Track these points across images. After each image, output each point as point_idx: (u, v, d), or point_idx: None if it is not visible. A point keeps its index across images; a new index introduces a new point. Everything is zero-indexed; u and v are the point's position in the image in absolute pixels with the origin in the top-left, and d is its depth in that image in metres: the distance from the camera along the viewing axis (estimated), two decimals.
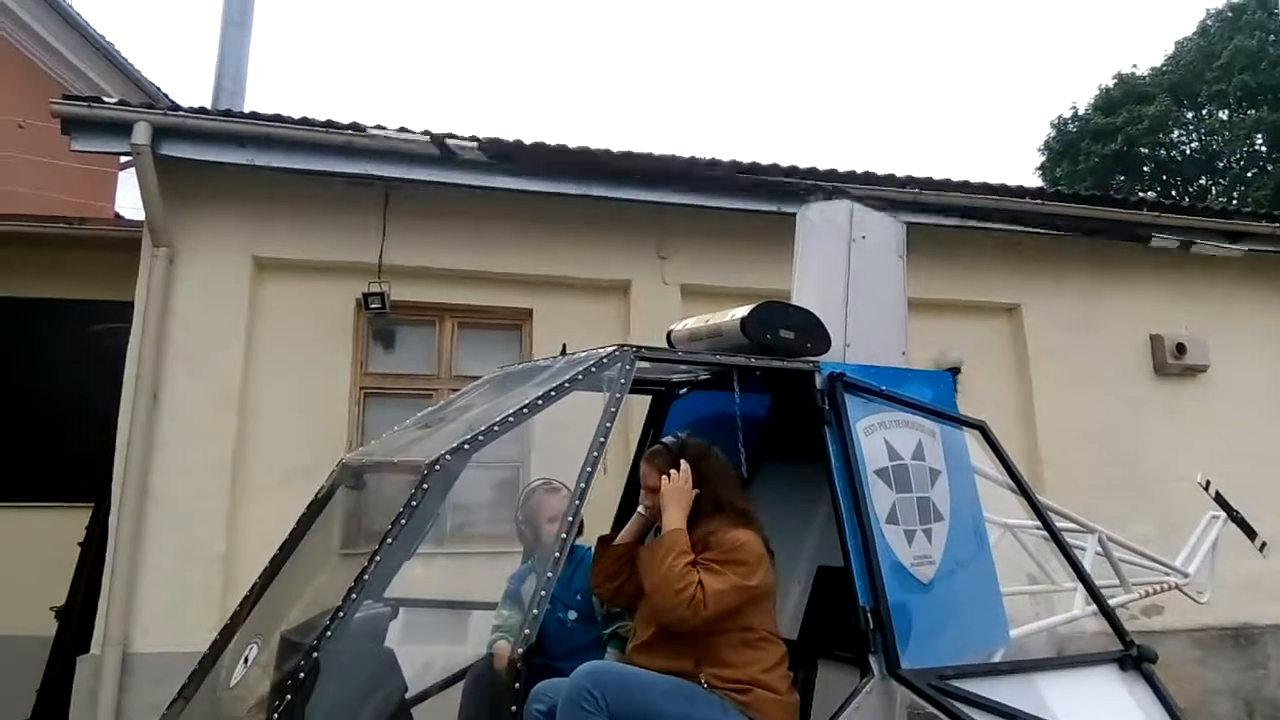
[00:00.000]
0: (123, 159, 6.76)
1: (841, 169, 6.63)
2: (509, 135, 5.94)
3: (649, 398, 3.90)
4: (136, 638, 5.12)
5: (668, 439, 3.15)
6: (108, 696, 4.96)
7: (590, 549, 3.55)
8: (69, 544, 6.11)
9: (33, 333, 6.92)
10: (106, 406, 5.45)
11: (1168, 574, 4.78)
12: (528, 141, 5.93)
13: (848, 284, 3.49)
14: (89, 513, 6.09)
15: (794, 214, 3.77)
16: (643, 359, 2.85)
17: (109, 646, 5.03)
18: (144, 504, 5.27)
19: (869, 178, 6.60)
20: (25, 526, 6.58)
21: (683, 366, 3.53)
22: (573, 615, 3.49)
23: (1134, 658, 3.18)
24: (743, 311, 3.16)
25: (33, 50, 9.60)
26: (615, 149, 6.11)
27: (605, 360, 2.73)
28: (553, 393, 2.60)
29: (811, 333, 3.25)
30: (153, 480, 5.32)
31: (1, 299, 6.89)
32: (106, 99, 5.70)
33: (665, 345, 3.46)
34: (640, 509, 3.13)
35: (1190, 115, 21.10)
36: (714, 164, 6.29)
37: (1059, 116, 22.36)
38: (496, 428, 2.50)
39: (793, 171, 6.39)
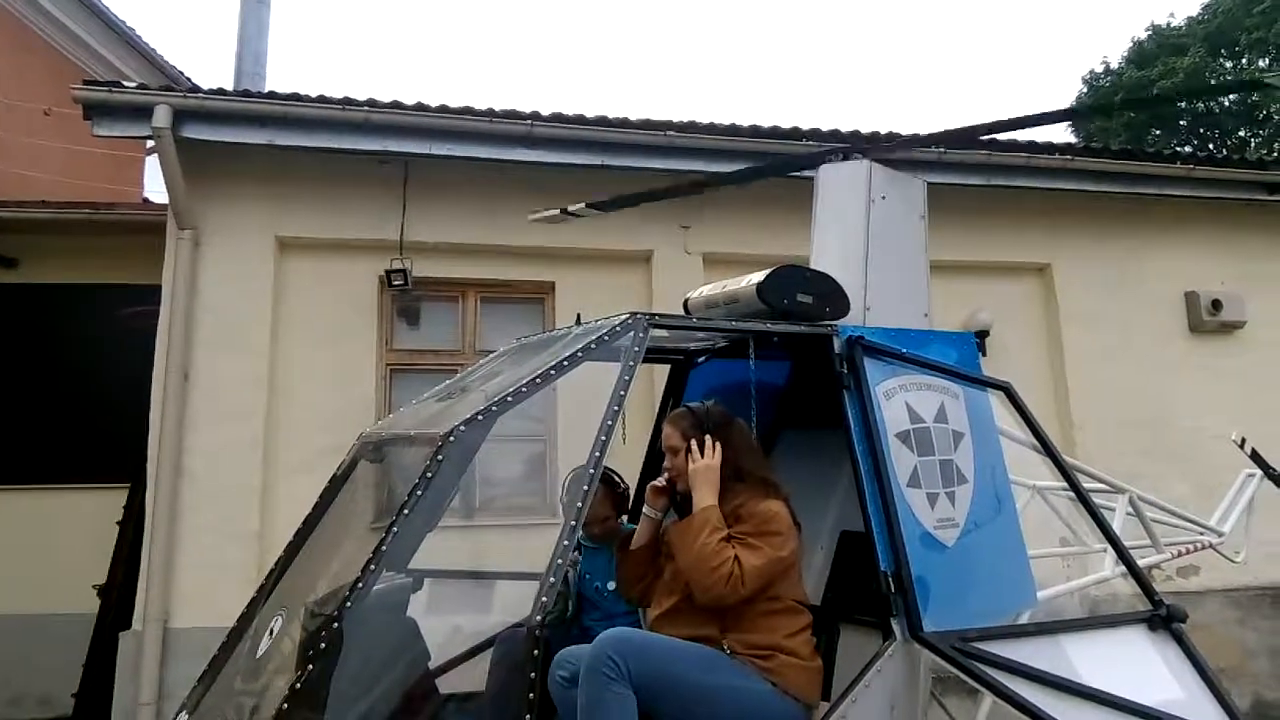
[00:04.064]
0: (147, 143, 6.83)
1: (865, 130, 6.54)
2: (525, 107, 5.93)
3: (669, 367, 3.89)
4: (176, 613, 5.25)
5: (693, 404, 3.13)
6: (150, 670, 5.10)
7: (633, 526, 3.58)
8: (108, 524, 6.24)
9: (65, 318, 7.04)
10: (140, 388, 5.54)
11: (1202, 533, 4.70)
12: (545, 113, 5.90)
13: (867, 246, 3.43)
14: (126, 493, 6.22)
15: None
16: (656, 326, 2.83)
17: (149, 622, 5.17)
18: (178, 483, 5.38)
19: (892, 139, 6.49)
20: (65, 507, 6.73)
21: (700, 334, 3.51)
22: (611, 585, 3.53)
23: (1163, 617, 3.13)
24: (759, 277, 3.12)
25: (56, 38, 9.68)
26: (634, 118, 6.07)
27: (618, 329, 2.71)
28: (565, 362, 2.59)
29: (830, 296, 3.20)
30: (186, 460, 5.43)
31: (34, 285, 7.03)
32: (126, 83, 5.75)
33: (683, 313, 3.44)
34: (646, 510, 3.11)
35: (1229, 65, 20.48)
36: (734, 129, 6.22)
37: (1090, 71, 21.85)
38: (510, 399, 2.50)
39: (815, 135, 6.31)
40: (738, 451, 2.95)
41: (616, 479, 3.64)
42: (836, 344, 3.02)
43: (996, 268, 6.99)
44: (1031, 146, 6.72)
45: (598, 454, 2.50)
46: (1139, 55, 20.89)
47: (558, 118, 5.90)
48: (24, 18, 9.27)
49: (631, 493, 3.72)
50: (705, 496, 2.82)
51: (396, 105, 5.70)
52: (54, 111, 8.74)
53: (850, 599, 3.27)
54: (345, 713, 2.39)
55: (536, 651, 2.25)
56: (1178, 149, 14.77)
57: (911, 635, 2.68)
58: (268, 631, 2.55)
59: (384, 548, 2.29)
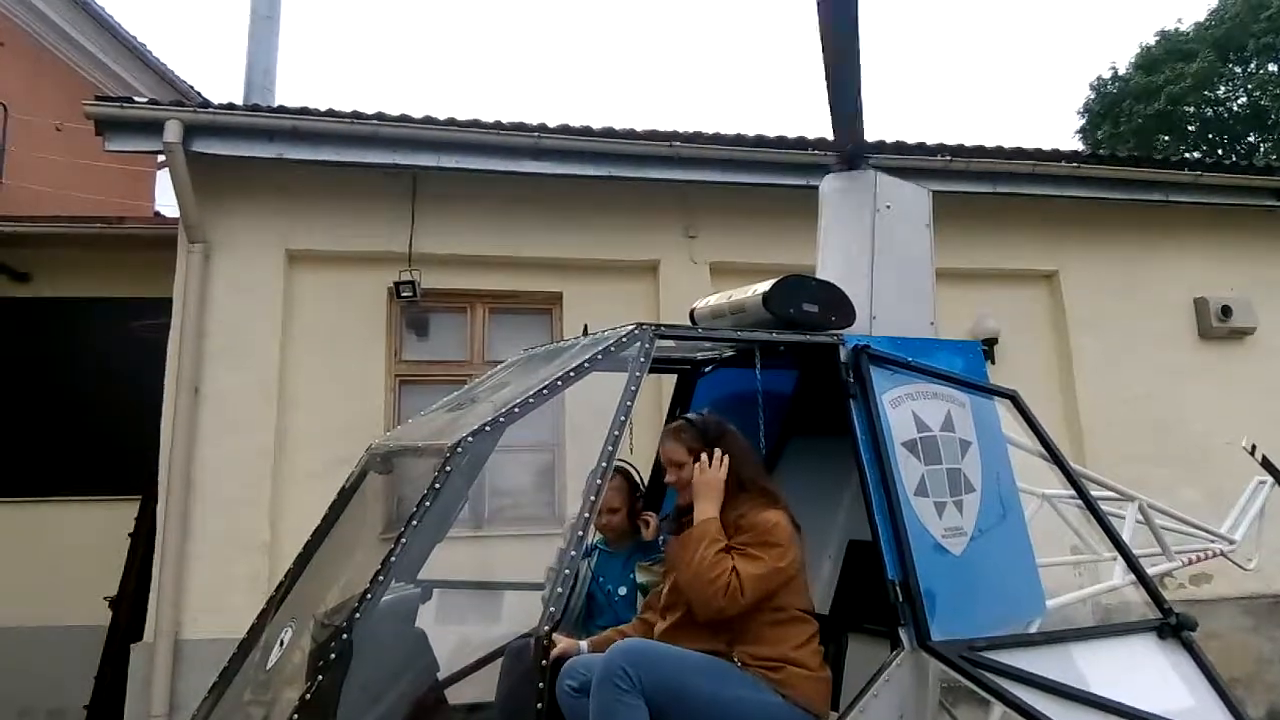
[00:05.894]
0: (158, 157, 6.89)
1: (871, 139, 6.52)
2: (532, 119, 5.96)
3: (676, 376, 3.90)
4: (187, 625, 5.26)
5: (690, 415, 3.14)
6: (161, 682, 5.12)
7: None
8: (119, 535, 6.27)
9: (77, 332, 7.09)
10: (151, 401, 5.58)
11: (1213, 541, 4.67)
12: (551, 124, 5.93)
13: (873, 255, 3.43)
14: (137, 505, 6.24)
15: None
16: (662, 337, 2.84)
17: (161, 634, 5.18)
18: (189, 495, 5.40)
19: (899, 147, 6.51)
20: (76, 519, 6.78)
21: (707, 344, 3.51)
22: (623, 590, 3.55)
23: (1173, 626, 3.12)
24: (765, 286, 3.13)
25: (68, 54, 9.79)
26: (640, 129, 6.09)
27: (624, 340, 2.72)
28: (571, 373, 2.60)
29: (836, 306, 3.21)
30: (196, 471, 5.45)
31: (46, 299, 7.09)
32: (137, 99, 5.80)
33: (689, 323, 3.45)
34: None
35: (1238, 70, 20.44)
36: (740, 139, 6.23)
37: (1098, 78, 21.80)
38: (517, 409, 2.51)
39: (821, 144, 6.31)
40: (738, 461, 2.93)
41: (636, 476, 3.66)
42: (843, 353, 3.02)
43: (1004, 275, 6.98)
44: (1038, 154, 6.71)
45: (604, 464, 2.51)
46: (1147, 61, 20.84)
47: (564, 129, 5.93)
48: (36, 34, 9.37)
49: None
50: (707, 508, 2.81)
51: (404, 118, 5.74)
52: (65, 127, 8.82)
53: (858, 608, 3.26)
54: None
55: (545, 661, 2.25)
56: (1186, 155, 14.76)
57: (920, 644, 2.68)
58: (278, 643, 2.56)
59: (393, 558, 2.30)
